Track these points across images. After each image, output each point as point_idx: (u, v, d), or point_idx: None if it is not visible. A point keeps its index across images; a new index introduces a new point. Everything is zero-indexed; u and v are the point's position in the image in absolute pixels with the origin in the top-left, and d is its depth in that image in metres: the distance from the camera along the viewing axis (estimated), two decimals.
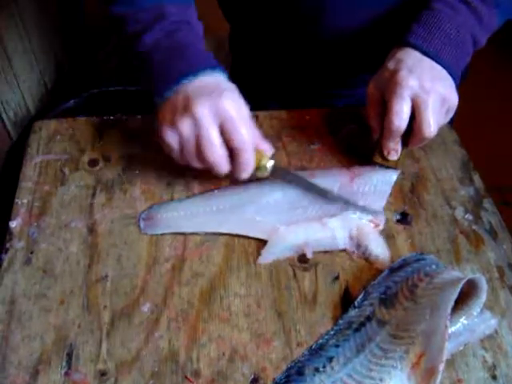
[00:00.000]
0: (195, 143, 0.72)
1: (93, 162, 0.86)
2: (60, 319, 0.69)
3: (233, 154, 0.74)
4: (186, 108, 0.71)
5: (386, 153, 0.84)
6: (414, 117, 0.78)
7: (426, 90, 0.77)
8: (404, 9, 0.91)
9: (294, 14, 0.95)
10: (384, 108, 0.81)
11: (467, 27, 0.82)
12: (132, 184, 0.84)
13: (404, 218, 0.81)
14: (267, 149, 0.78)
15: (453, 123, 0.99)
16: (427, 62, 0.80)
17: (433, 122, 0.78)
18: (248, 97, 0.75)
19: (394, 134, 0.80)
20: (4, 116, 1.03)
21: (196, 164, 0.75)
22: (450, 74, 0.80)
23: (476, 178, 0.87)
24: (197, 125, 0.71)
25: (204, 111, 0.71)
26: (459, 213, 0.82)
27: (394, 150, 0.83)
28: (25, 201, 0.81)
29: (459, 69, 0.83)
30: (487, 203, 0.84)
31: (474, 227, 0.81)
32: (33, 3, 1.20)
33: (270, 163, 0.79)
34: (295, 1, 0.93)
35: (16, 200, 0.81)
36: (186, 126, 0.71)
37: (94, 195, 0.82)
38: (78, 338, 0.67)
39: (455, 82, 0.81)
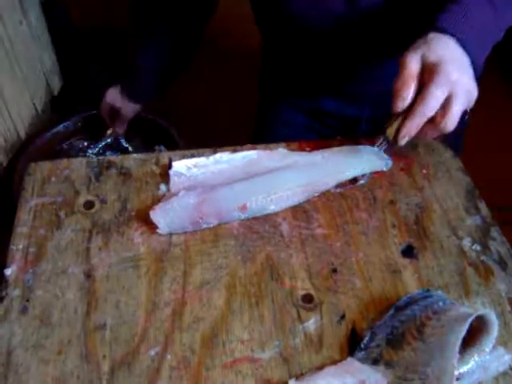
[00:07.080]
0: None
1: (88, 204, 0.84)
2: (58, 370, 0.67)
3: None
4: None
5: (402, 133, 0.80)
6: (442, 107, 0.77)
7: (461, 85, 0.77)
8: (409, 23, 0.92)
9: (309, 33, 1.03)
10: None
11: (490, 24, 0.84)
12: (129, 226, 0.81)
13: (410, 252, 0.79)
14: None
15: (460, 151, 0.98)
16: (460, 51, 0.80)
17: (457, 116, 0.77)
18: (266, 97, 0.85)
19: (422, 115, 0.77)
20: None
21: None
22: (474, 68, 0.81)
23: (482, 206, 0.85)
24: None
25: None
26: (466, 243, 0.80)
27: (410, 135, 0.80)
28: (20, 246, 0.78)
29: (482, 63, 0.85)
30: (495, 232, 0.81)
31: (482, 258, 0.78)
32: (23, 27, 1.19)
33: None
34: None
35: (11, 246, 0.79)
36: None
37: (90, 239, 0.80)
38: None
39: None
